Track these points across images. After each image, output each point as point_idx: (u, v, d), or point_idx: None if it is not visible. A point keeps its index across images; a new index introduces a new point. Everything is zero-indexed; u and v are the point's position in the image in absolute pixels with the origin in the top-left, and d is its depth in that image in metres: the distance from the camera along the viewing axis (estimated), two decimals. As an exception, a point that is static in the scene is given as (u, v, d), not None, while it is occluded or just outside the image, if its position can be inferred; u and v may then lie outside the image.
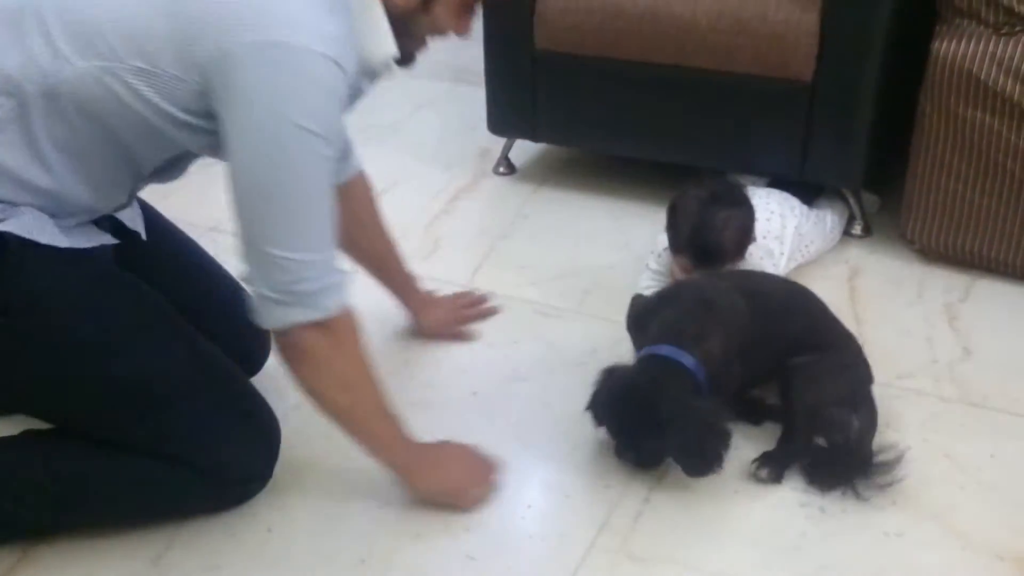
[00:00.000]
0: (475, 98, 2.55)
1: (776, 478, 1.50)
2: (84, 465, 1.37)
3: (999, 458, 1.58)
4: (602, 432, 1.56)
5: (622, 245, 2.20)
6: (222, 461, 1.39)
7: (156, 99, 1.22)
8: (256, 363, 1.66)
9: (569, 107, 2.32)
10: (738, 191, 1.85)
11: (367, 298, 1.98)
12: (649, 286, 1.92)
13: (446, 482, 1.47)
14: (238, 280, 1.31)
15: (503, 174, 2.53)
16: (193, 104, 1.22)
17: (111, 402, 1.33)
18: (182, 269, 1.58)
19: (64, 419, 1.39)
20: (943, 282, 2.05)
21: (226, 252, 1.66)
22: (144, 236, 1.47)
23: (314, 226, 1.25)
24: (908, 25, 2.03)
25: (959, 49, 1.89)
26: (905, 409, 1.67)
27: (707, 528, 1.44)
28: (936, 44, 1.92)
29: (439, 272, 2.08)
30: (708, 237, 1.75)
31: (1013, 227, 1.97)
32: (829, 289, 2.02)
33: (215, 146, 1.25)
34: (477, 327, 1.90)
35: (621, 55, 2.19)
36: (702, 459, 1.46)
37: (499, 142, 2.52)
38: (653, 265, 1.93)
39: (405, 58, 1.36)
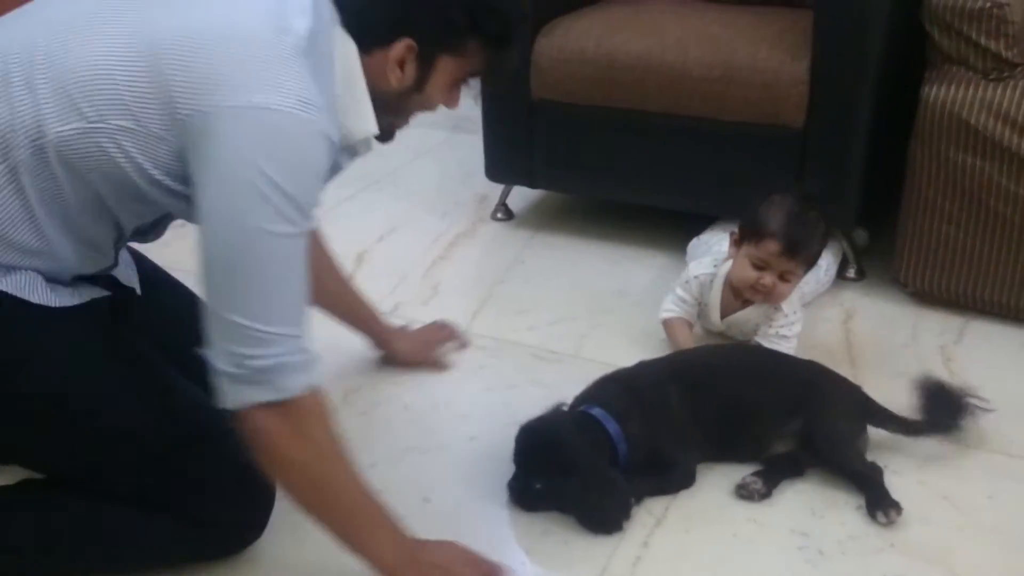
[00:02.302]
0: (473, 146, 2.59)
1: (899, 511, 1.52)
2: (80, 516, 1.37)
3: (997, 500, 1.58)
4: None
5: (619, 289, 2.22)
6: (216, 513, 1.38)
7: (139, 158, 1.20)
8: None
9: (565, 154, 2.36)
10: (823, 210, 1.88)
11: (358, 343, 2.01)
12: (671, 310, 1.94)
13: None
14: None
15: (501, 220, 2.56)
16: (173, 165, 1.20)
17: (103, 457, 1.32)
18: (178, 319, 1.55)
19: (58, 473, 1.38)
20: (937, 324, 2.06)
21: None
22: (139, 291, 1.47)
23: (282, 299, 1.19)
24: (898, 71, 2.06)
25: (948, 94, 1.93)
26: (902, 452, 1.67)
27: (706, 572, 1.44)
28: (926, 89, 1.95)
29: (437, 317, 2.10)
30: (801, 229, 1.80)
31: (1006, 269, 1.99)
32: (824, 332, 2.04)
33: (190, 212, 1.23)
34: (464, 362, 1.93)
35: (615, 104, 2.23)
36: (597, 517, 1.51)
37: (497, 189, 2.55)
38: (680, 292, 1.94)
39: (385, 134, 1.35)
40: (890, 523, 1.51)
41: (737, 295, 1.89)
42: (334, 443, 1.27)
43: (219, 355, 1.19)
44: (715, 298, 1.93)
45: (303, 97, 1.15)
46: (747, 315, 1.90)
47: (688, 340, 1.92)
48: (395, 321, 1.98)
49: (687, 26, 2.21)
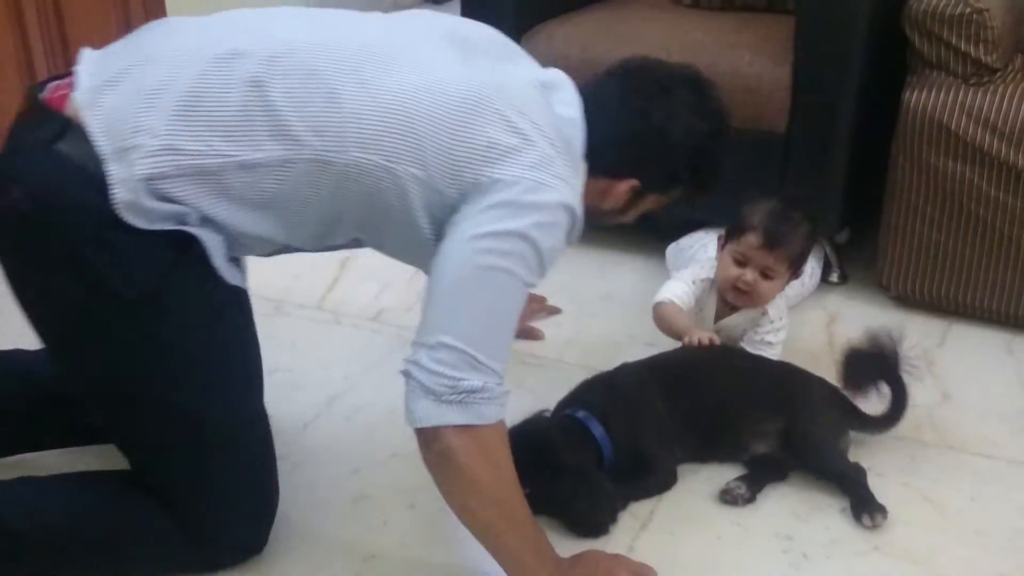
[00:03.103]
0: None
1: (885, 515, 1.53)
2: (76, 515, 1.37)
3: (979, 502, 1.59)
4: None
5: (603, 295, 2.22)
6: (223, 524, 1.39)
7: (416, 204, 1.28)
8: None
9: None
10: (811, 209, 1.89)
11: (353, 345, 2.01)
12: (672, 292, 1.90)
13: None
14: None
15: (485, 226, 2.55)
16: (439, 215, 1.30)
17: (168, 425, 1.34)
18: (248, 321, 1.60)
19: (116, 419, 1.38)
20: (920, 328, 2.07)
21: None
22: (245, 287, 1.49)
23: (502, 336, 1.28)
24: (879, 76, 2.08)
25: (929, 99, 1.94)
26: (885, 454, 1.68)
27: (691, 575, 1.45)
28: (906, 94, 1.97)
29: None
30: (782, 224, 1.80)
31: (987, 272, 2.01)
32: (808, 335, 2.05)
33: (412, 252, 1.38)
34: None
35: (599, 108, 2.22)
36: (584, 520, 1.51)
37: (481, 194, 2.54)
38: (688, 286, 1.92)
39: None
40: (876, 527, 1.52)
41: (725, 301, 1.89)
42: (512, 469, 1.32)
43: (428, 376, 1.24)
44: (711, 303, 1.93)
45: (565, 179, 1.30)
46: (735, 320, 1.91)
47: (688, 321, 1.88)
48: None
49: (670, 32, 2.22)
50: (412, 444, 1.71)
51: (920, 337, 2.04)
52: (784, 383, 1.70)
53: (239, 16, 1.37)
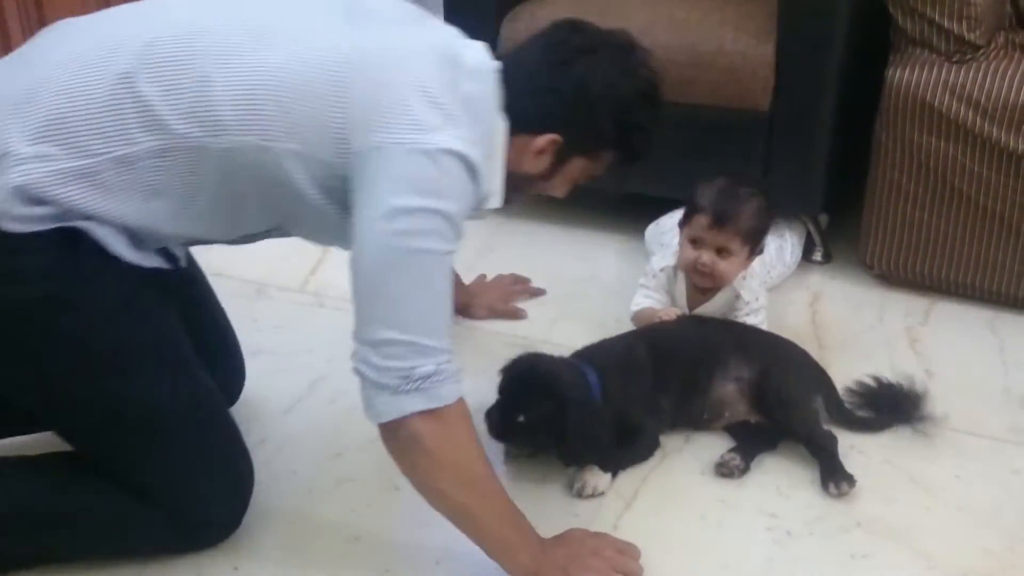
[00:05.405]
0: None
1: (852, 483, 1.53)
2: (49, 497, 1.36)
3: (963, 479, 1.60)
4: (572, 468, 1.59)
5: (587, 275, 2.22)
6: (194, 504, 1.38)
7: (300, 177, 1.25)
8: (233, 399, 1.68)
9: (533, 140, 2.34)
10: (763, 184, 1.90)
11: (336, 328, 1.99)
12: (640, 303, 1.94)
13: None
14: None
15: (469, 207, 2.54)
16: (333, 185, 1.26)
17: (108, 418, 1.32)
18: (193, 299, 1.57)
19: (57, 421, 1.37)
20: (903, 306, 2.08)
21: (225, 297, 1.71)
22: (183, 264, 1.46)
23: (437, 312, 1.25)
24: (862, 54, 2.07)
25: (912, 77, 1.94)
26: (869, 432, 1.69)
27: (675, 554, 1.45)
28: (890, 72, 1.96)
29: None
30: (729, 200, 1.80)
31: (970, 249, 2.01)
32: (791, 315, 2.05)
33: (325, 230, 1.34)
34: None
35: (582, 88, 2.21)
36: (589, 447, 1.53)
37: (464, 176, 2.53)
38: (649, 283, 1.94)
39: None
40: (841, 495, 1.52)
41: (696, 287, 1.89)
42: (480, 447, 1.30)
43: (380, 373, 1.22)
44: (680, 290, 1.93)
45: (471, 151, 1.25)
46: (712, 306, 1.91)
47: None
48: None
49: (653, 10, 2.20)
50: (396, 426, 1.72)
51: (903, 315, 2.05)
52: (759, 336, 1.75)
53: (130, 8, 1.33)
